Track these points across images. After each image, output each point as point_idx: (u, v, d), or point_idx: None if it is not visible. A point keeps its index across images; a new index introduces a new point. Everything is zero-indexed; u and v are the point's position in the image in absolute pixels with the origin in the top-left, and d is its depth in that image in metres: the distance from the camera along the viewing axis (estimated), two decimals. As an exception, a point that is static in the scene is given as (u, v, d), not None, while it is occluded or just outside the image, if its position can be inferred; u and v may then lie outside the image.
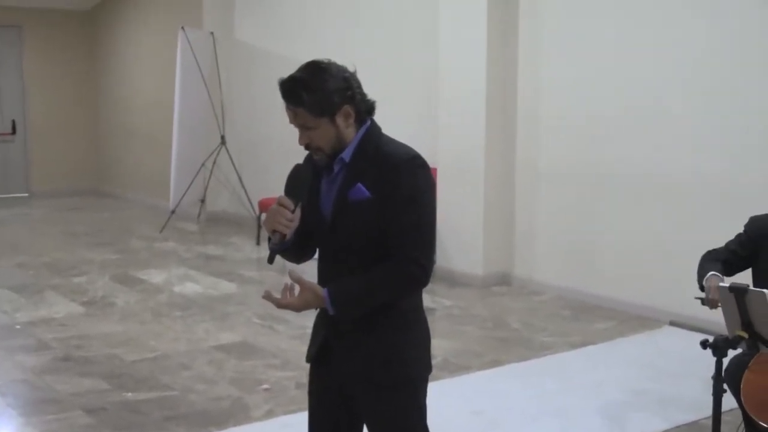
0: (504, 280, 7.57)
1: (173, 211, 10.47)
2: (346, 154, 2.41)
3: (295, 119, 2.37)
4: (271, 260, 2.41)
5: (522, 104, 7.38)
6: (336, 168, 2.43)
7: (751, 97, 5.87)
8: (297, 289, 2.38)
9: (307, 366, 2.64)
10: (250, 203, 10.31)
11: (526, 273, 7.48)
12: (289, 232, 2.37)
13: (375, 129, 2.45)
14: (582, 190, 6.99)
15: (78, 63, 14.15)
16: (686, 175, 6.25)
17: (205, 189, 10.94)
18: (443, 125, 7.57)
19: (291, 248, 2.47)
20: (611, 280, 6.78)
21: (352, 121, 2.39)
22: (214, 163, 10.70)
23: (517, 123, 7.42)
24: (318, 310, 2.55)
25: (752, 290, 3.04)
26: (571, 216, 7.08)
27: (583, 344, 5.86)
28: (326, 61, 2.41)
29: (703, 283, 3.50)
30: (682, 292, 6.21)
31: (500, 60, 7.39)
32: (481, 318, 6.56)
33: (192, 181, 10.53)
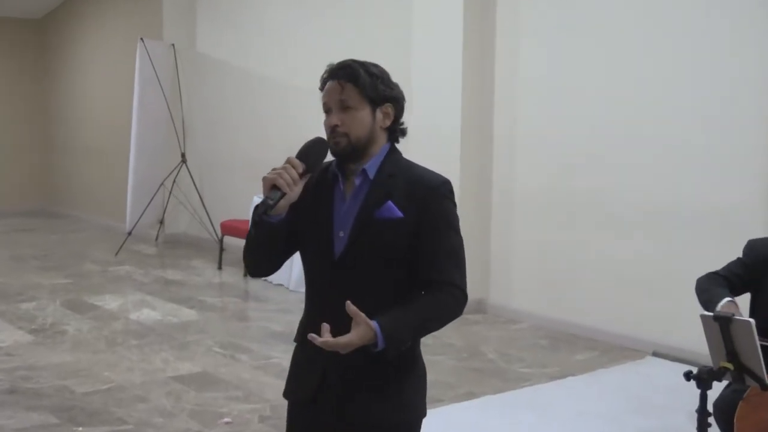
0: (479, 307, 7.59)
1: (130, 233, 10.41)
2: (370, 169, 2.41)
3: (338, 94, 2.38)
4: (256, 215, 2.32)
5: (499, 126, 7.44)
6: (357, 181, 2.42)
7: (737, 119, 5.96)
8: (326, 330, 2.25)
9: (272, 398, 2.62)
10: (212, 225, 10.28)
11: (502, 300, 7.51)
12: (288, 194, 2.31)
13: (397, 151, 2.50)
14: (561, 215, 7.04)
15: (27, 75, 14.08)
16: (668, 201, 6.32)
17: (164, 210, 10.90)
18: (415, 147, 7.57)
19: (272, 233, 2.39)
20: (591, 309, 6.83)
21: (388, 124, 2.44)
22: (174, 182, 10.67)
23: (493, 146, 7.48)
24: (298, 343, 2.52)
25: (737, 319, 3.04)
26: (550, 241, 7.13)
27: (563, 375, 5.89)
28: None
29: (717, 309, 3.39)
30: (665, 321, 6.33)
31: (476, 81, 7.45)
32: (455, 348, 6.56)
33: (150, 201, 10.48)
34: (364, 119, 2.39)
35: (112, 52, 12.34)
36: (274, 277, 8.41)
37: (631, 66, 6.51)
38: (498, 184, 7.47)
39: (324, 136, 2.42)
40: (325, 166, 2.49)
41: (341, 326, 2.25)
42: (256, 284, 8.53)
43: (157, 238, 11.15)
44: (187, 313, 7.53)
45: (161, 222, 11.00)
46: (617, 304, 6.66)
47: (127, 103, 10.81)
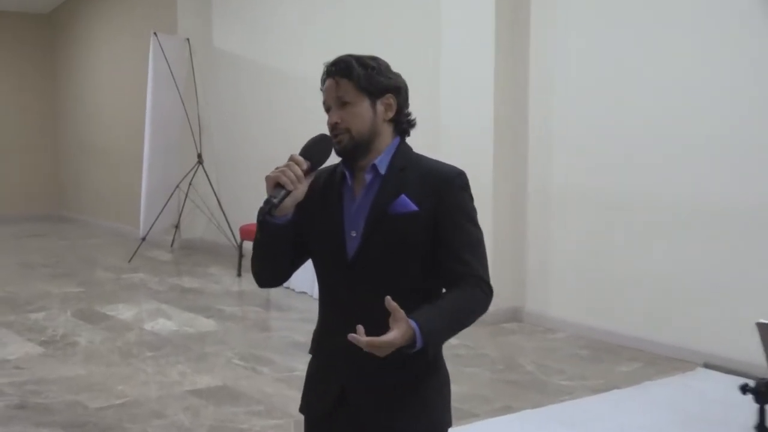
0: (515, 316, 7.56)
1: (144, 239, 10.47)
2: (381, 163, 2.44)
3: (334, 91, 2.42)
4: (261, 215, 2.34)
5: (534, 120, 7.41)
6: (368, 177, 2.44)
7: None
8: (362, 331, 2.20)
9: (296, 413, 2.62)
10: (231, 230, 10.32)
11: (540, 308, 7.48)
12: (292, 194, 2.33)
13: (408, 145, 2.52)
14: (602, 216, 7.00)
15: (36, 73, 14.21)
16: (718, 201, 6.26)
17: (180, 214, 10.95)
18: (445, 143, 7.60)
19: (278, 235, 2.40)
20: (636, 317, 6.78)
21: (391, 115, 2.46)
22: (190, 184, 10.72)
23: (528, 141, 7.45)
24: (314, 354, 2.53)
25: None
26: (590, 245, 7.09)
27: (605, 388, 5.84)
28: None
29: None
30: (717, 329, 6.27)
31: (509, 77, 7.43)
32: (490, 359, 6.55)
33: (165, 205, 10.54)
34: (363, 113, 2.42)
35: (124, 47, 12.43)
36: (297, 285, 8.42)
37: (673, 60, 6.46)
38: (533, 184, 7.44)
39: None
40: (332, 168, 2.52)
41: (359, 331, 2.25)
42: (278, 292, 8.54)
43: (172, 244, 11.21)
44: (205, 323, 7.55)
45: (177, 227, 11.06)
46: (664, 311, 6.61)
47: (140, 102, 10.88)
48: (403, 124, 2.50)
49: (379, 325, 2.22)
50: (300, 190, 2.35)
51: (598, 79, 6.96)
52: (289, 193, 2.32)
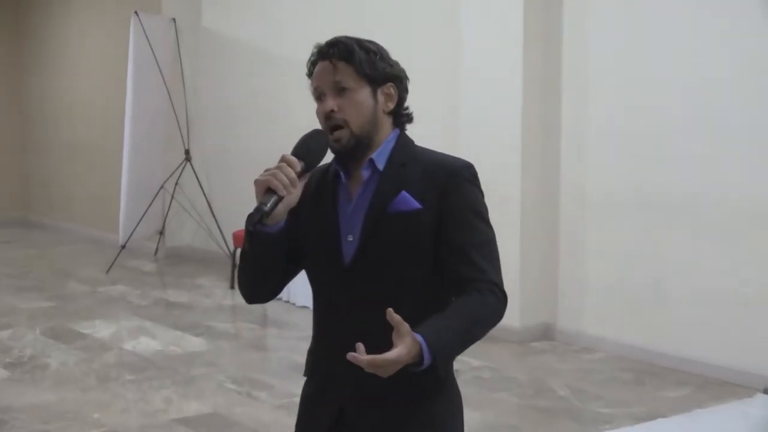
0: (546, 334, 7.56)
1: (123, 246, 10.49)
2: (379, 158, 2.46)
3: (331, 75, 2.43)
4: (250, 224, 2.32)
5: (568, 114, 7.41)
6: (365, 174, 2.46)
7: None
8: (362, 349, 2.21)
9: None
10: (222, 236, 10.34)
11: (574, 325, 7.47)
12: (285, 199, 2.34)
13: (408, 137, 2.55)
14: (644, 221, 6.98)
15: (0, 58, 14.23)
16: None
17: (165, 218, 10.97)
18: (467, 141, 7.60)
19: (271, 245, 2.42)
20: (684, 335, 6.76)
21: (392, 107, 2.49)
22: (176, 184, 10.74)
23: (560, 141, 7.45)
24: (309, 376, 2.56)
25: None
26: (631, 253, 7.07)
27: (650, 416, 5.83)
28: None
29: None
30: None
31: (539, 67, 7.43)
32: (518, 383, 6.55)
33: (148, 208, 10.56)
34: (363, 102, 2.44)
35: (101, 30, 12.45)
36: (298, 299, 8.43)
37: (720, 50, 6.46)
38: (567, 186, 7.44)
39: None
40: (324, 167, 2.54)
41: (381, 349, 2.24)
42: (276, 307, 8.55)
43: (156, 252, 11.22)
44: (194, 343, 7.57)
45: (161, 233, 11.07)
46: (717, 329, 6.59)
47: (119, 91, 10.88)
48: (402, 117, 2.54)
49: (381, 339, 2.22)
50: (294, 194, 2.36)
51: (640, 67, 6.95)
52: (281, 198, 2.33)
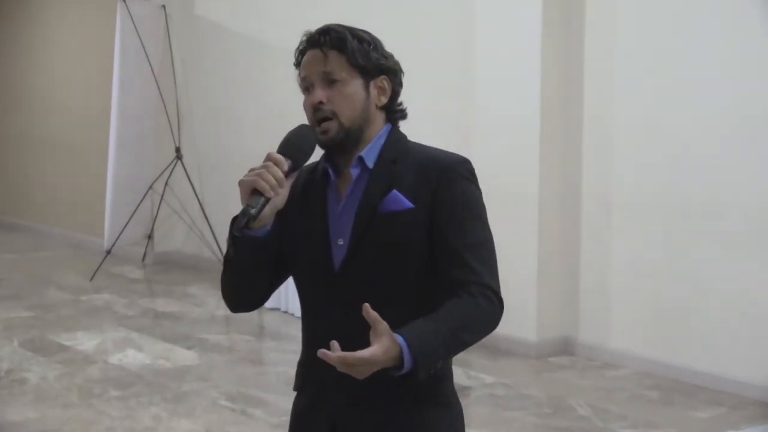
0: (566, 348, 7.57)
1: (109, 252, 10.50)
2: (368, 155, 2.49)
3: (321, 64, 2.46)
4: (237, 230, 2.36)
5: (589, 114, 7.42)
6: (354, 173, 2.49)
7: None
8: (336, 346, 2.25)
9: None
10: (216, 240, 10.34)
11: (596, 339, 7.47)
12: (273, 200, 2.37)
13: (401, 132, 2.57)
14: (672, 228, 6.99)
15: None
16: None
17: (154, 221, 10.98)
18: (482, 142, 7.62)
19: (258, 250, 2.44)
20: (716, 351, 6.76)
21: (385, 101, 2.52)
22: (166, 184, 10.75)
23: (582, 139, 7.45)
24: (300, 390, 2.60)
25: None
26: (658, 262, 7.08)
27: (678, 438, 5.86)
28: None
29: None
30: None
31: (560, 54, 7.44)
32: (535, 401, 6.55)
33: (135, 210, 10.57)
34: (355, 94, 2.47)
35: (84, 17, 12.47)
36: (296, 309, 8.44)
37: (751, 52, 6.47)
38: (589, 190, 7.44)
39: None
40: (312, 165, 2.57)
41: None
42: (273, 318, 8.57)
43: (144, 258, 11.24)
44: (185, 356, 7.58)
45: (150, 237, 11.08)
46: (751, 345, 6.59)
47: (104, 84, 10.91)
48: (395, 112, 2.56)
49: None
50: (281, 195, 2.39)
51: (668, 65, 6.95)
52: (268, 200, 2.36)
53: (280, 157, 2.40)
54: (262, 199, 2.35)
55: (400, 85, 2.56)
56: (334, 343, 2.22)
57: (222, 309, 9.16)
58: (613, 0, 7.25)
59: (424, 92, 8.24)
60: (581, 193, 7.51)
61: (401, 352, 2.23)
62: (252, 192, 2.35)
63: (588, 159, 7.46)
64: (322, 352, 2.21)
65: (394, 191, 2.44)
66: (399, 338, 2.24)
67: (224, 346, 7.92)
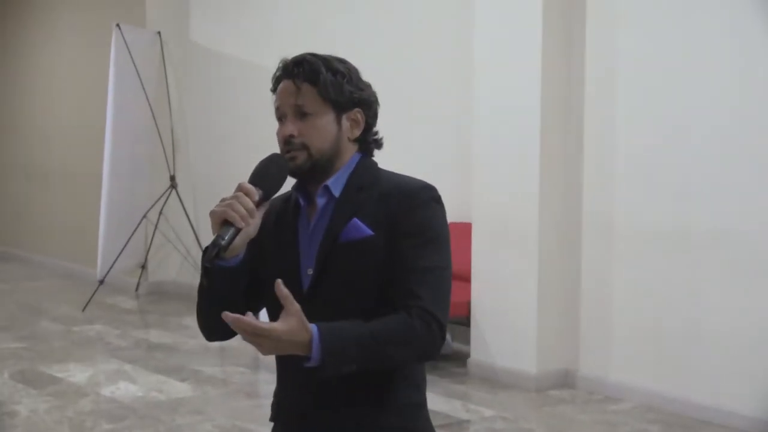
0: (566, 381, 7.56)
1: (102, 282, 10.50)
2: (335, 185, 2.53)
3: (293, 97, 2.53)
4: (208, 260, 2.41)
5: (590, 142, 7.43)
6: (320, 202, 2.54)
7: None
8: (251, 315, 2.32)
9: None
10: (210, 271, 10.33)
11: (597, 371, 7.47)
12: (243, 230, 2.41)
13: (371, 160, 2.61)
14: (676, 257, 6.99)
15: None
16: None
17: (147, 250, 10.99)
18: (480, 166, 7.65)
19: (230, 280, 2.48)
20: (723, 384, 6.74)
21: (357, 133, 2.56)
22: (161, 213, 10.78)
23: (583, 167, 7.47)
24: (275, 421, 2.66)
25: None
26: (661, 292, 7.07)
27: (681, 474, 5.86)
28: None
29: None
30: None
31: (560, 81, 7.48)
32: (536, 435, 6.56)
33: (129, 240, 10.58)
34: (326, 128, 2.52)
35: (79, 44, 12.51)
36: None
37: (756, 76, 6.48)
38: (590, 215, 7.45)
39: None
40: (286, 195, 2.63)
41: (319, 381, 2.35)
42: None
43: (137, 288, 11.24)
44: (179, 388, 7.58)
45: (143, 266, 11.09)
46: (757, 378, 6.58)
47: (99, 111, 10.92)
48: (369, 144, 2.60)
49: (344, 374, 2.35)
50: (252, 225, 2.43)
51: (671, 90, 6.97)
52: (239, 230, 2.41)
53: (250, 187, 2.45)
54: (233, 230, 2.40)
55: (375, 116, 2.60)
56: (248, 314, 2.28)
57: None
58: (612, 27, 7.28)
59: (422, 119, 8.30)
60: (581, 221, 7.51)
61: (311, 341, 2.29)
62: (223, 222, 2.40)
63: (588, 187, 7.47)
64: (225, 314, 2.26)
65: (355, 219, 2.48)
66: (313, 327, 2.30)
67: (219, 379, 7.92)
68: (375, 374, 2.44)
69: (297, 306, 2.28)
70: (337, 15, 9.31)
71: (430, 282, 2.44)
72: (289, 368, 2.57)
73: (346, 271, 2.47)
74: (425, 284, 2.43)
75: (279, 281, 2.29)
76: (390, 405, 2.49)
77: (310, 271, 2.51)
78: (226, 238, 2.39)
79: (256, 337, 2.26)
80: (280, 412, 2.64)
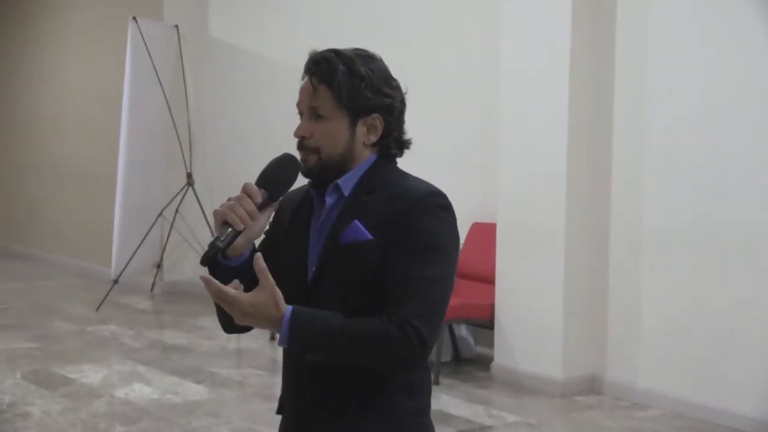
0: (592, 387, 7.54)
1: (116, 281, 10.52)
2: (345, 184, 2.52)
3: (309, 98, 2.51)
4: (204, 261, 2.45)
5: (618, 146, 7.42)
6: (329, 201, 2.54)
7: None
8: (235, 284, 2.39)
9: None
10: (227, 271, 10.34)
11: (625, 377, 7.45)
12: (246, 232, 2.43)
13: (388, 160, 2.59)
14: (706, 261, 6.96)
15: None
16: None
17: (163, 249, 11.01)
18: (507, 174, 7.64)
19: (231, 279, 2.47)
20: (755, 391, 6.72)
21: (373, 139, 2.54)
22: (177, 212, 10.78)
23: (611, 171, 7.45)
24: (280, 408, 2.67)
25: None
26: (691, 297, 7.05)
27: (711, 483, 5.83)
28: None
29: None
30: None
31: (589, 85, 7.47)
32: (561, 442, 6.53)
33: (144, 238, 10.60)
34: (338, 133, 2.51)
35: (94, 38, 12.52)
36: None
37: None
38: (619, 220, 7.43)
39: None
40: (304, 188, 2.65)
41: (321, 377, 2.44)
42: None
43: (152, 288, 11.25)
44: (194, 390, 7.58)
45: (159, 266, 11.10)
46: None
47: (114, 108, 10.93)
48: (390, 148, 2.57)
49: (340, 372, 2.42)
50: (255, 227, 2.46)
51: (702, 90, 6.95)
52: (238, 233, 2.43)
53: (254, 188, 2.46)
54: (232, 232, 2.41)
55: (397, 121, 2.56)
56: (235, 282, 2.35)
57: (233, 342, 9.18)
58: (643, 33, 7.25)
59: (444, 129, 8.28)
60: (609, 226, 7.49)
61: (281, 319, 2.34)
62: (224, 223, 2.42)
63: (617, 192, 7.44)
64: (203, 277, 2.34)
65: (355, 222, 2.47)
66: (288, 308, 2.35)
67: (235, 381, 7.92)
68: (370, 378, 2.46)
69: (271, 281, 2.32)
70: (362, 10, 9.30)
71: (420, 293, 2.41)
72: (288, 366, 2.62)
73: (343, 272, 2.48)
74: (414, 295, 2.40)
75: (258, 254, 2.34)
76: (385, 410, 2.49)
77: (314, 269, 2.53)
78: (224, 240, 2.41)
79: (223, 302, 2.34)
80: (285, 405, 2.66)
